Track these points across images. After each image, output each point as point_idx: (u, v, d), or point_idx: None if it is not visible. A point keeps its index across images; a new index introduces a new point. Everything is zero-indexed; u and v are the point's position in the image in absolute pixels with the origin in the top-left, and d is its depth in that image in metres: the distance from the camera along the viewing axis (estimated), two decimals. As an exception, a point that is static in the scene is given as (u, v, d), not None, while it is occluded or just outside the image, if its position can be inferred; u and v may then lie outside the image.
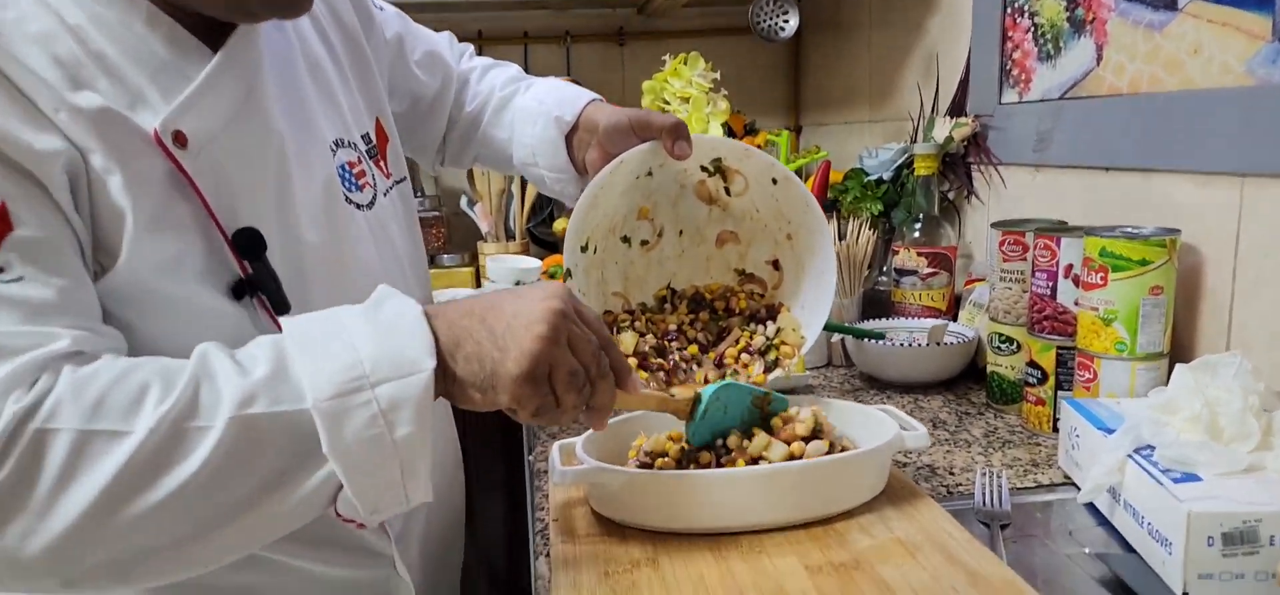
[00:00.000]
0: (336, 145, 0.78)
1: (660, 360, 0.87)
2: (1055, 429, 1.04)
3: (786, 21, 1.51)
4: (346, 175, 0.79)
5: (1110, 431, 0.81)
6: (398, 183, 0.89)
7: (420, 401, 0.57)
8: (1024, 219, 1.13)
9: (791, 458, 0.79)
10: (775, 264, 0.99)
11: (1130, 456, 0.77)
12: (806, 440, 0.81)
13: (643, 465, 0.81)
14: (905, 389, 1.25)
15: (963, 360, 1.25)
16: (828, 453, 0.80)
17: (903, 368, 1.23)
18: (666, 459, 0.81)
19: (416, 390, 0.57)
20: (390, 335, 0.58)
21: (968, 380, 1.27)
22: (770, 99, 2.30)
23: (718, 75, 1.39)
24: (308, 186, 0.74)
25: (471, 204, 1.97)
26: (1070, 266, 1.00)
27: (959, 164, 1.42)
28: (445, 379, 0.60)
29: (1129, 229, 0.94)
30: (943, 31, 1.52)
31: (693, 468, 0.80)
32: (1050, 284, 1.02)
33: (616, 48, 2.19)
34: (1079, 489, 0.88)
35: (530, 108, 1.02)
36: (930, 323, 1.32)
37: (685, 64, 1.41)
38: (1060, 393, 1.03)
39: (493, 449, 1.61)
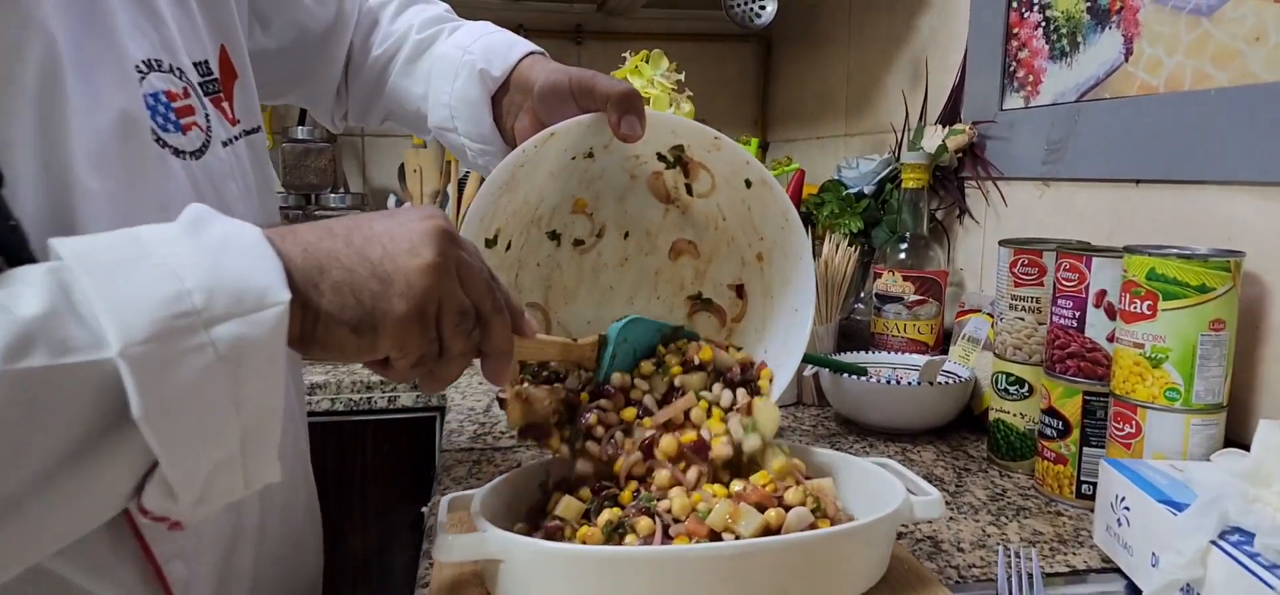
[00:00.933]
0: (147, 67, 0.56)
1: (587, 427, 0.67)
2: (1079, 494, 0.84)
3: (763, 8, 1.34)
4: (160, 108, 0.57)
5: (1179, 507, 0.62)
6: (248, 134, 0.67)
7: (272, 345, 0.44)
8: (1038, 238, 0.95)
9: (768, 531, 0.58)
10: (739, 290, 0.79)
11: (1217, 544, 0.58)
12: (787, 506, 0.60)
13: (550, 534, 0.59)
14: (890, 436, 1.05)
15: (957, 405, 1.05)
16: (813, 524, 0.59)
17: (888, 410, 1.04)
18: (587, 525, 0.60)
19: (267, 329, 0.43)
20: (224, 258, 0.44)
21: (961, 429, 1.08)
22: (736, 112, 2.12)
23: (682, 76, 1.20)
24: (92, 114, 0.52)
25: (400, 204, 1.74)
26: (1103, 293, 0.82)
27: (950, 179, 1.24)
28: (305, 317, 0.46)
29: (1184, 248, 0.75)
30: (934, 32, 1.35)
31: (629, 536, 0.58)
32: (1076, 314, 0.83)
33: (573, 46, 2.00)
34: (1126, 578, 0.69)
35: (451, 57, 0.81)
36: (919, 359, 1.13)
37: (646, 62, 1.21)
38: (1087, 449, 0.84)
39: (394, 489, 1.37)
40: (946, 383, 1.05)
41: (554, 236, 0.77)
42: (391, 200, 1.78)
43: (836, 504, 0.62)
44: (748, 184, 0.73)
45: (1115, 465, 0.72)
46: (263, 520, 0.67)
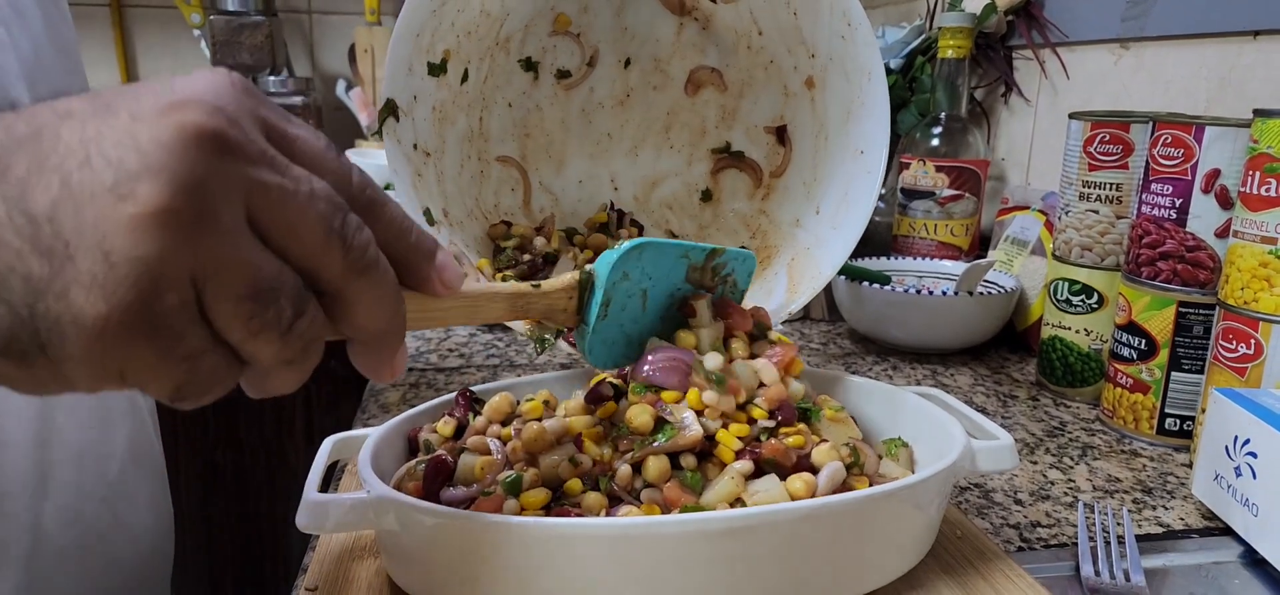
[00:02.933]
0: None
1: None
2: (1162, 430, 0.67)
3: None
4: None
5: (1349, 458, 0.44)
6: None
7: None
8: (1121, 110, 0.75)
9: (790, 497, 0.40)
10: (780, 133, 0.58)
11: None
12: (814, 468, 0.42)
13: (482, 496, 0.42)
14: (918, 357, 0.87)
15: (999, 320, 0.88)
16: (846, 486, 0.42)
17: (916, 326, 0.86)
18: (541, 490, 0.42)
19: None
20: None
21: (1001, 348, 0.91)
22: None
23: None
24: None
25: (349, 89, 1.53)
26: (1215, 174, 0.63)
27: (996, 49, 1.03)
28: None
29: (1340, 109, 0.56)
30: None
31: (598, 502, 0.41)
32: (1177, 202, 0.65)
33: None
34: (1242, 543, 0.52)
35: None
36: (952, 266, 0.94)
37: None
38: (1177, 375, 0.66)
39: (340, 408, 1.20)
40: (987, 293, 0.87)
41: (530, 67, 0.57)
42: (340, 86, 1.56)
43: (878, 460, 0.44)
44: None
45: (1234, 397, 0.54)
46: (41, 477, 0.49)
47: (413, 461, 0.45)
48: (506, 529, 0.36)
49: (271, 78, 1.50)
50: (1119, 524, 0.53)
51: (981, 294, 0.86)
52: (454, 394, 0.50)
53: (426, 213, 0.50)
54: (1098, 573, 0.49)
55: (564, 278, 0.41)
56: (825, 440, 0.43)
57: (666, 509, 0.40)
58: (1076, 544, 0.52)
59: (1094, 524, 0.53)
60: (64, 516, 0.51)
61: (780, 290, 0.52)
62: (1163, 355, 0.67)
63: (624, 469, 0.41)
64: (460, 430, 0.47)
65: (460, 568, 0.38)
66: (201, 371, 0.27)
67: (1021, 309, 0.90)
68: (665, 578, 0.37)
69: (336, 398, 1.19)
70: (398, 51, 0.48)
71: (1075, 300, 0.76)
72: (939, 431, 0.48)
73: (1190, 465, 0.64)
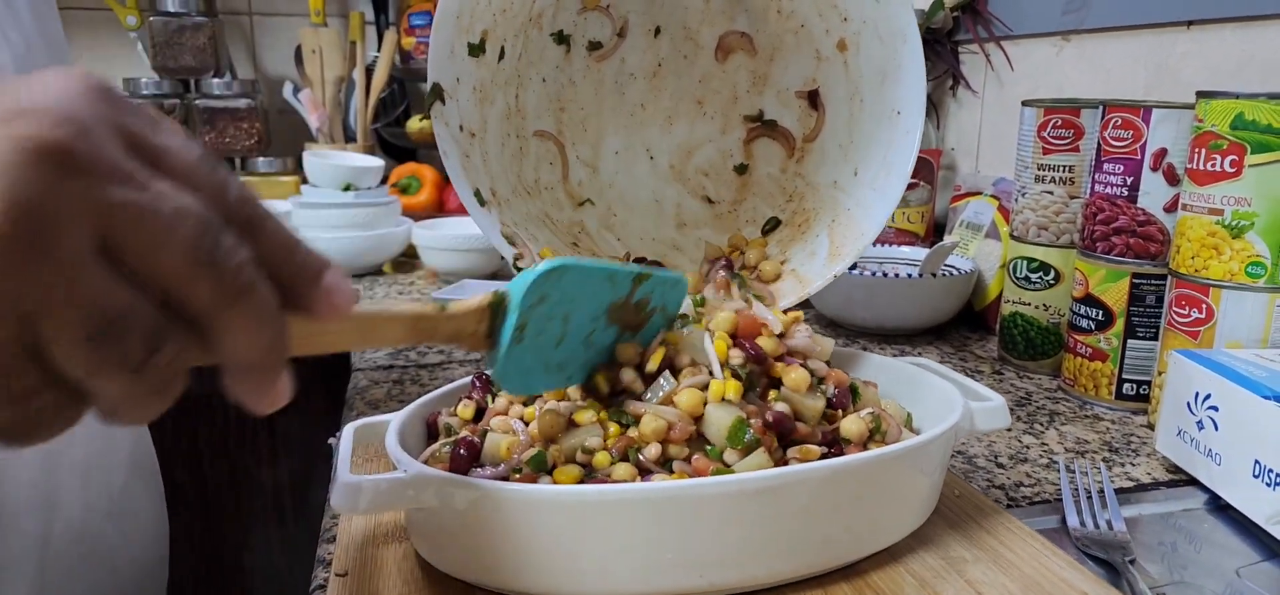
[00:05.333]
0: None
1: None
2: (1120, 395, 0.72)
3: None
4: None
5: (1304, 403, 0.49)
6: None
7: None
8: (1070, 97, 0.80)
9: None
10: (812, 98, 0.59)
11: (1369, 448, 0.45)
12: (834, 444, 0.45)
13: (513, 474, 0.42)
14: (885, 337, 0.91)
15: (960, 300, 0.92)
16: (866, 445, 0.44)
17: (883, 308, 0.89)
18: (572, 464, 0.42)
19: None
20: None
21: (961, 327, 0.95)
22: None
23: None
24: None
25: (297, 91, 1.49)
26: (1163, 153, 0.68)
27: (943, 44, 1.08)
28: None
29: (1278, 91, 0.61)
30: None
31: (622, 472, 0.42)
32: (1128, 180, 0.69)
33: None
34: (1205, 491, 0.57)
35: None
36: (909, 251, 0.98)
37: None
38: (1132, 342, 0.71)
39: (306, 414, 1.17)
40: (948, 275, 0.91)
41: (562, 40, 0.57)
42: (288, 89, 1.52)
43: (901, 427, 0.47)
44: None
45: (1193, 357, 0.58)
46: (49, 492, 0.48)
47: (436, 445, 0.45)
48: (555, 498, 0.37)
49: (215, 80, 1.45)
50: (1098, 479, 0.57)
51: (943, 275, 0.90)
52: (469, 378, 0.50)
53: (476, 193, 0.50)
54: (1083, 523, 0.52)
55: (473, 299, 0.38)
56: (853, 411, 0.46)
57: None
58: (1060, 500, 0.55)
59: (1074, 481, 0.57)
60: (71, 532, 0.50)
61: (822, 252, 0.54)
62: (1119, 324, 0.71)
63: (653, 448, 0.42)
64: (479, 413, 0.48)
65: (502, 540, 0.38)
66: (36, 411, 0.23)
67: (979, 289, 0.94)
68: (701, 539, 0.39)
69: (303, 407, 1.17)
70: (440, 35, 0.48)
71: (1034, 277, 0.80)
72: (936, 396, 0.51)
73: (1149, 425, 0.68)
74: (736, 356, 0.46)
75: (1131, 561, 0.48)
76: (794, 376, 0.45)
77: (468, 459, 0.43)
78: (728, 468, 0.41)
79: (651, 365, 0.44)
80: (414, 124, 1.52)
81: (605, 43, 0.58)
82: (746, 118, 0.60)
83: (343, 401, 0.75)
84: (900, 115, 0.52)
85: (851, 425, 0.45)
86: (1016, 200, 0.82)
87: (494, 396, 0.48)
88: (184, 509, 1.14)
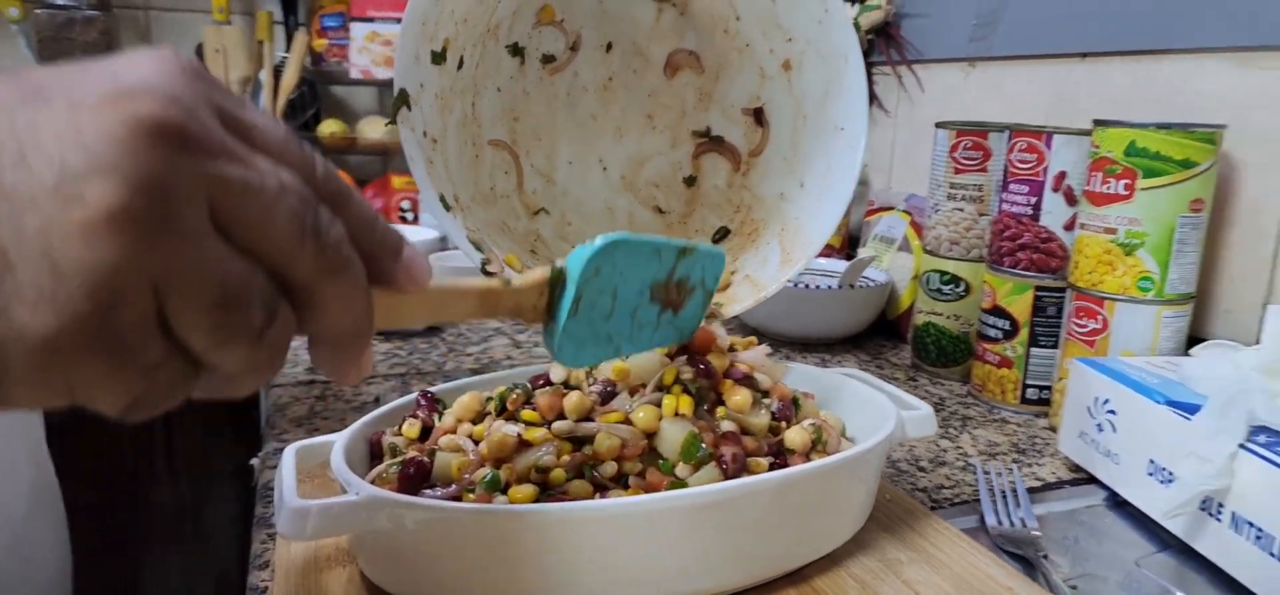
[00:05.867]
0: None
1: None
2: (1025, 400, 0.77)
3: None
4: None
5: (1186, 408, 0.54)
6: None
7: None
8: (980, 121, 0.85)
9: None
10: (758, 115, 0.61)
11: (1246, 448, 0.49)
12: (780, 455, 0.46)
13: (465, 493, 0.42)
14: (805, 347, 0.94)
15: (876, 310, 0.96)
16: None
17: (804, 319, 0.92)
18: (526, 484, 0.43)
19: None
20: None
21: (876, 336, 0.99)
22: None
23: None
24: None
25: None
26: (1063, 176, 0.73)
27: (857, 65, 1.12)
28: None
29: (1164, 121, 0.67)
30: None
31: (570, 487, 0.42)
32: (1032, 200, 0.74)
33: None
34: (1106, 489, 0.61)
35: None
36: (827, 263, 1.02)
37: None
38: (1035, 350, 0.76)
39: (208, 434, 1.12)
40: (865, 286, 0.95)
41: (517, 51, 0.57)
42: (191, 87, 1.45)
43: (840, 436, 0.49)
44: None
45: (1092, 365, 0.63)
46: None
47: (382, 465, 0.45)
48: (514, 517, 0.37)
49: (107, 79, 1.37)
50: (1011, 480, 0.61)
51: (861, 287, 0.94)
52: (413, 396, 0.49)
53: (442, 199, 0.49)
54: (999, 521, 0.56)
55: (534, 273, 0.39)
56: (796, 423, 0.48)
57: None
58: (978, 500, 0.59)
59: (990, 482, 0.61)
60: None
61: (774, 259, 0.56)
62: (1024, 334, 0.76)
63: (609, 466, 0.43)
64: (425, 432, 0.47)
65: (458, 561, 0.38)
66: (159, 383, 0.24)
67: (892, 299, 0.99)
68: (660, 552, 0.40)
69: (202, 428, 1.12)
70: (406, 41, 0.47)
71: (945, 289, 0.85)
72: (868, 406, 0.53)
73: (1051, 428, 0.73)
74: (687, 372, 0.47)
75: (1045, 556, 0.52)
76: (737, 399, 0.47)
77: (417, 479, 0.43)
78: (682, 482, 0.42)
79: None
80: (326, 128, 1.47)
81: (558, 56, 0.59)
82: (694, 133, 0.62)
83: (241, 418, 0.73)
84: (843, 131, 0.55)
85: (795, 436, 0.47)
86: (930, 216, 0.86)
87: (440, 415, 0.48)
88: (82, 533, 1.07)
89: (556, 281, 0.39)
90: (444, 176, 0.51)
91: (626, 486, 0.43)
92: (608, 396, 0.46)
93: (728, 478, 0.43)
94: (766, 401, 0.49)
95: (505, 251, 0.52)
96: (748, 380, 0.48)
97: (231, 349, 0.24)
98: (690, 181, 0.62)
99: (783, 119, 0.60)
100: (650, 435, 0.44)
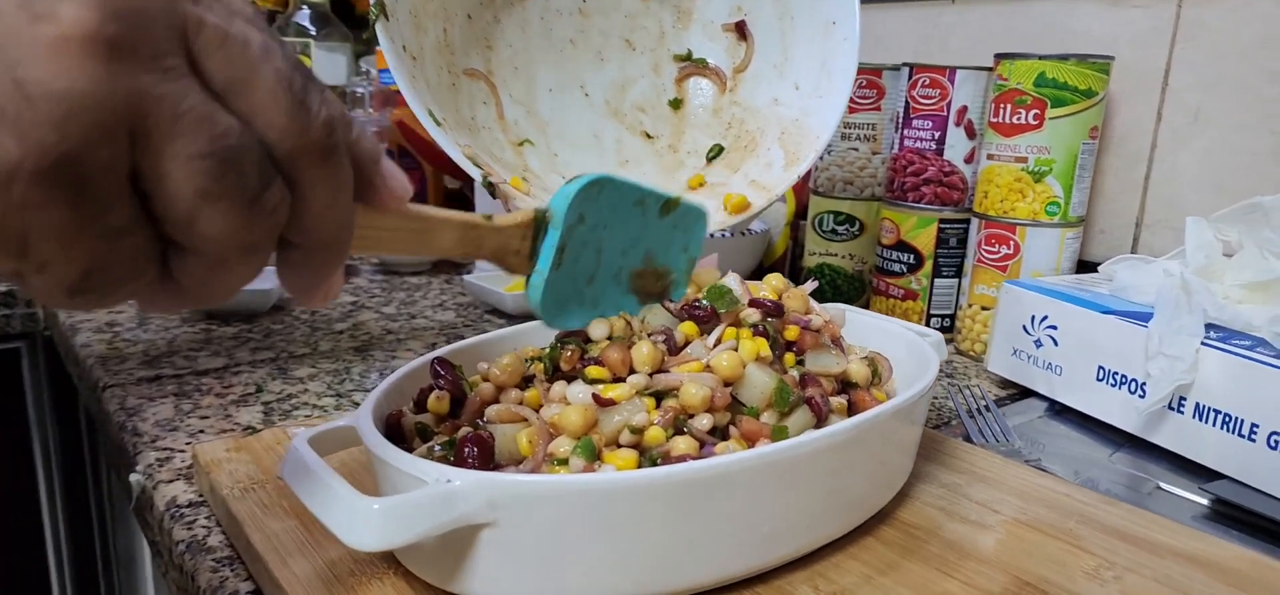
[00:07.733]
0: None
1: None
2: (928, 326, 0.80)
3: None
4: None
5: (1131, 316, 0.58)
6: None
7: None
8: (872, 62, 0.86)
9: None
10: (740, 29, 0.57)
11: (1207, 344, 0.54)
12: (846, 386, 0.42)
13: (550, 467, 0.33)
14: (699, 297, 0.91)
15: (759, 256, 0.95)
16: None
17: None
18: (622, 449, 0.35)
19: None
20: None
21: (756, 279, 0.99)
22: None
23: None
24: None
25: None
26: (964, 110, 0.76)
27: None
28: None
29: (1066, 52, 0.71)
30: None
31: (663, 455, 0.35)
32: (936, 135, 0.77)
33: None
34: (1045, 399, 0.65)
35: None
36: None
37: None
38: (938, 280, 0.79)
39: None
40: (750, 234, 0.94)
41: None
42: None
43: (891, 371, 0.46)
44: None
45: (1026, 286, 0.66)
46: None
47: (424, 446, 0.34)
48: (668, 482, 0.30)
49: None
50: (982, 400, 0.62)
51: (747, 234, 0.93)
52: (424, 360, 0.39)
53: (430, 114, 0.39)
54: (984, 439, 0.56)
55: (518, 213, 0.35)
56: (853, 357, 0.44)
57: (752, 443, 0.36)
58: (947, 423, 0.59)
59: (967, 403, 0.62)
60: None
61: (778, 161, 0.51)
62: (928, 266, 0.79)
63: (705, 418, 0.36)
64: (454, 405, 0.37)
65: (582, 545, 0.30)
66: (120, 254, 0.21)
67: (768, 245, 0.99)
68: (797, 501, 0.34)
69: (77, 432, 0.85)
70: None
71: (840, 229, 0.86)
72: (876, 334, 0.51)
73: (960, 351, 0.77)
74: (752, 314, 0.41)
75: (1041, 464, 0.53)
76: (816, 347, 0.42)
77: (482, 459, 0.33)
78: (784, 429, 0.37)
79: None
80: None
81: None
82: (676, 57, 0.56)
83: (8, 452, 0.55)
84: (836, 25, 0.53)
85: (857, 369, 0.43)
86: (822, 158, 0.87)
87: (471, 387, 0.38)
88: None
89: (541, 225, 0.36)
90: (428, 94, 0.41)
91: (726, 439, 0.37)
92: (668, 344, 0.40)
93: (820, 421, 0.38)
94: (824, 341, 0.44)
95: (512, 177, 0.43)
96: (808, 326, 0.44)
97: (221, 211, 0.21)
98: (676, 104, 0.56)
99: (768, 26, 0.56)
100: (728, 384, 0.38)
